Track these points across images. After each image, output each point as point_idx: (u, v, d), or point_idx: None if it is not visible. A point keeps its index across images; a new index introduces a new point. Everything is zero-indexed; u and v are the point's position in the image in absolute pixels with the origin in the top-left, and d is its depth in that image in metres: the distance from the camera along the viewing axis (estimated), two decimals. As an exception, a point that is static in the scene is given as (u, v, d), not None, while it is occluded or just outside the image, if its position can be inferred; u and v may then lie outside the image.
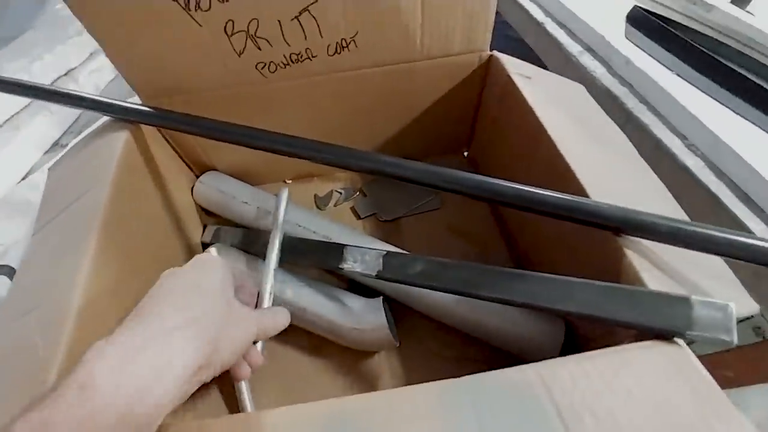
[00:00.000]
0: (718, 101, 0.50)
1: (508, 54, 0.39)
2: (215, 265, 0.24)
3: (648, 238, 0.24)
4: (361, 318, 0.33)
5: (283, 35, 0.33)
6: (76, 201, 0.32)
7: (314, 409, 0.19)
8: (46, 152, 0.64)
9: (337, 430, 0.18)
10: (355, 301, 0.35)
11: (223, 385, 0.35)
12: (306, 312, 0.35)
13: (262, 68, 0.35)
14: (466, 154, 0.52)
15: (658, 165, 0.48)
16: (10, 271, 0.41)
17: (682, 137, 0.50)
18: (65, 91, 0.36)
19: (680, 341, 0.21)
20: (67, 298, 0.25)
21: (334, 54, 0.35)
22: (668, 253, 0.24)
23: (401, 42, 0.35)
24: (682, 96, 0.51)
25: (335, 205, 0.48)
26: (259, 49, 0.34)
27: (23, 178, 0.59)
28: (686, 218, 0.26)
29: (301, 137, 0.32)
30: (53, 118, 0.65)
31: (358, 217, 0.46)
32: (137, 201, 0.35)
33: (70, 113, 0.67)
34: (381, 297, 0.34)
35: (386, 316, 0.33)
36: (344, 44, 0.34)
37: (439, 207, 0.46)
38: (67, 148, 0.63)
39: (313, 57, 0.35)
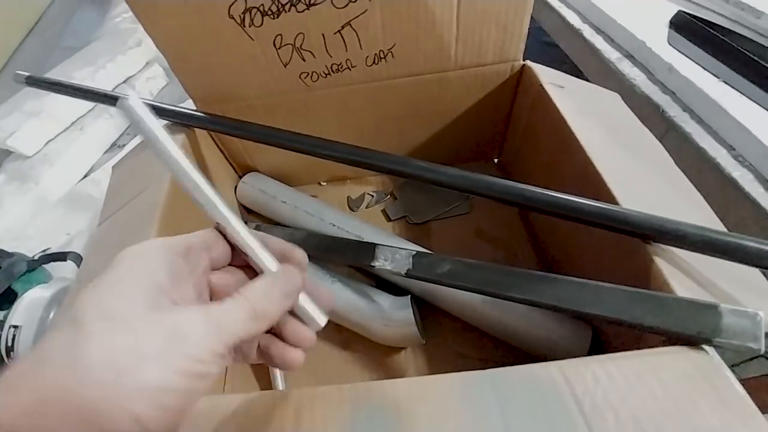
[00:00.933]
0: (767, 110, 0.48)
1: (542, 61, 0.39)
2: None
3: (679, 247, 0.24)
4: (390, 314, 0.35)
5: (326, 47, 0.35)
6: (138, 195, 0.35)
7: (341, 390, 0.21)
8: (106, 152, 0.70)
9: (363, 409, 0.20)
10: (384, 299, 0.36)
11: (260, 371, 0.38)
12: (337, 307, 0.37)
13: (305, 78, 0.38)
14: (496, 161, 0.53)
15: (702, 176, 0.47)
16: (76, 257, 0.45)
17: (729, 147, 0.48)
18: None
19: (708, 348, 0.21)
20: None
21: (372, 64, 0.37)
22: (700, 262, 0.24)
23: (436, 53, 0.37)
24: (729, 104, 0.48)
25: (367, 207, 0.50)
26: (304, 60, 0.36)
27: (86, 176, 0.66)
28: (722, 228, 0.26)
29: (338, 141, 0.34)
30: (112, 122, 0.71)
31: (389, 220, 0.48)
32: (190, 198, 0.38)
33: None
34: (409, 295, 0.36)
35: (414, 313, 0.34)
36: (382, 55, 0.37)
37: (468, 212, 0.47)
38: (125, 148, 0.69)
39: (352, 67, 0.37)
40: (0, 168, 0.64)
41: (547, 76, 0.37)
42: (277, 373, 0.35)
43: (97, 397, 0.13)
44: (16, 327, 0.34)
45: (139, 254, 0.16)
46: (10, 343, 0.34)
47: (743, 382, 0.20)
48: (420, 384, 0.21)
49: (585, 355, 0.31)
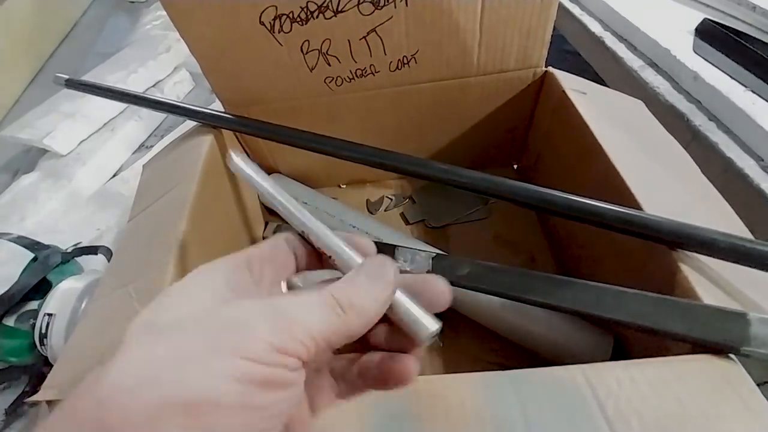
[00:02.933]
0: (796, 119, 0.46)
1: (563, 69, 0.40)
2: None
3: (705, 254, 0.24)
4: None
5: (351, 53, 0.36)
6: (167, 193, 0.37)
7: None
8: (134, 152, 0.73)
9: (384, 411, 0.20)
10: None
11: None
12: None
13: (330, 82, 0.39)
14: (515, 166, 0.53)
15: (729, 187, 0.46)
16: (107, 251, 0.47)
17: (758, 158, 0.47)
18: (166, 101, 0.42)
19: (734, 357, 0.20)
20: (161, 273, 0.29)
21: (395, 70, 0.38)
22: (727, 270, 0.24)
23: (459, 59, 0.38)
24: (757, 113, 0.47)
25: (386, 210, 0.51)
26: (329, 65, 0.37)
27: (115, 175, 0.68)
28: (750, 236, 0.26)
29: (360, 143, 0.35)
30: (141, 123, 0.74)
31: (407, 223, 0.49)
32: (216, 196, 0.39)
33: (155, 119, 0.76)
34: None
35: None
36: (405, 61, 0.37)
37: (486, 216, 0.48)
38: (153, 149, 0.72)
39: (376, 72, 0.38)
40: (36, 166, 0.67)
41: (570, 83, 0.37)
42: None
43: (115, 422, 0.10)
44: (50, 315, 0.36)
45: (198, 270, 0.15)
46: (44, 331, 0.36)
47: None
48: (441, 381, 0.21)
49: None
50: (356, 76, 0.38)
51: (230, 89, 0.40)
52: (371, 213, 0.51)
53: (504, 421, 0.19)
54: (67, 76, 0.48)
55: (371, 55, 0.37)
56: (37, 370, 0.40)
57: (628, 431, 0.18)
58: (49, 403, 0.24)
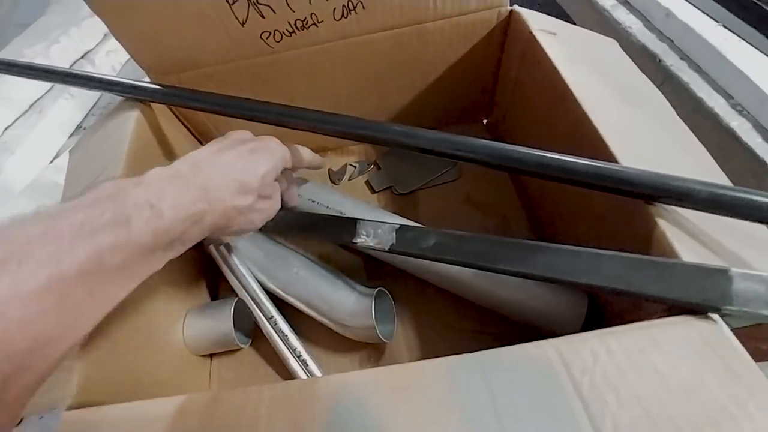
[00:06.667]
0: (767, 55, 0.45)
1: (530, 9, 0.35)
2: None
3: (684, 206, 0.22)
4: (352, 316, 0.32)
5: (286, 0, 0.31)
6: (94, 180, 0.32)
7: (316, 385, 0.19)
8: (71, 135, 0.65)
9: (339, 408, 0.18)
10: (347, 296, 0.33)
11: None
12: (296, 303, 0.35)
13: (267, 38, 0.34)
14: (485, 122, 0.50)
15: (699, 127, 0.45)
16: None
17: (727, 96, 0.46)
18: (77, 72, 0.36)
19: (715, 317, 0.19)
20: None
21: (340, 18, 0.33)
22: (707, 222, 0.22)
23: (413, 1, 0.33)
24: (729, 50, 0.46)
25: (350, 180, 0.47)
26: (263, 17, 0.32)
27: (51, 162, 0.62)
28: (729, 184, 0.24)
29: (310, 109, 0.31)
30: (74, 101, 0.66)
31: (373, 191, 0.45)
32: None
33: (90, 97, 0.68)
34: (375, 291, 0.33)
35: (378, 311, 0.32)
36: (351, 6, 0.32)
37: (457, 178, 0.45)
38: (84, 132, 0.65)
39: (319, 23, 0.33)
40: (-42, 159, 0.60)
41: (538, 23, 0.33)
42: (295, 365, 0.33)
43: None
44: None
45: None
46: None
47: (735, 331, 0.18)
48: (402, 372, 0.19)
49: (581, 324, 0.30)
50: (297, 28, 0.33)
51: (151, 54, 0.34)
52: (334, 183, 0.47)
53: (471, 410, 0.17)
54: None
55: (310, 2, 0.32)
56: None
57: (605, 410, 0.17)
58: None
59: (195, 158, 0.23)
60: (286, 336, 0.33)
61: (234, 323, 0.33)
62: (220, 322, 0.33)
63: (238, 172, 0.23)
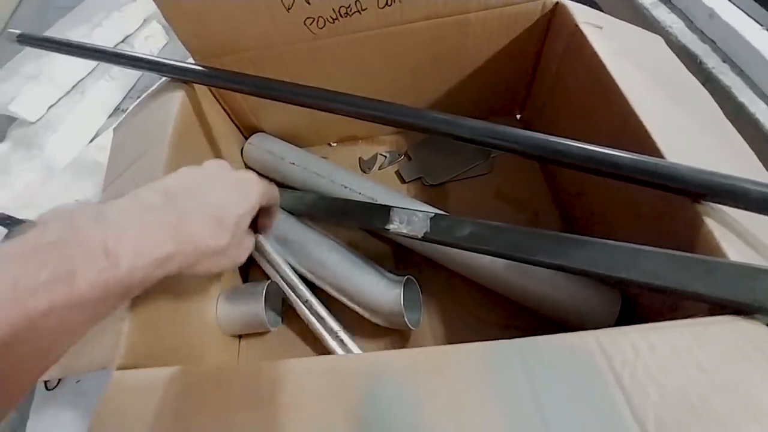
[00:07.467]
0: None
1: (573, 3, 0.35)
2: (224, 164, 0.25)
3: (734, 206, 0.22)
4: (381, 302, 0.33)
5: (333, -14, 0.32)
6: (138, 159, 0.33)
7: (354, 362, 0.20)
8: (110, 116, 0.68)
9: (375, 386, 0.18)
10: (377, 282, 0.34)
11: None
12: (325, 286, 0.36)
13: (311, 24, 0.34)
14: (518, 116, 0.49)
15: (739, 132, 0.44)
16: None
17: None
18: (125, 52, 0.38)
19: (761, 319, 0.19)
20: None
21: (384, 6, 0.33)
22: (756, 223, 0.22)
23: (456, -10, 0.33)
24: None
25: (380, 169, 0.47)
26: (308, 3, 0.33)
27: (91, 141, 0.64)
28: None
29: (348, 93, 0.31)
30: (114, 84, 0.68)
31: (403, 181, 0.46)
32: (193, 159, 0.36)
33: (129, 79, 0.70)
34: (405, 278, 0.33)
35: (406, 298, 0.32)
36: (395, -5, 0.33)
37: (488, 172, 0.45)
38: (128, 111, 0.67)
39: (362, 11, 0.33)
40: (5, 135, 0.63)
41: (584, 15, 0.32)
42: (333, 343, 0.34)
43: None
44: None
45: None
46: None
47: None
48: (439, 354, 0.19)
49: (614, 322, 0.30)
50: (340, 15, 0.34)
51: (197, 36, 0.35)
52: (364, 172, 0.47)
53: (510, 395, 0.17)
54: (18, 32, 0.43)
55: (356, -11, 0.32)
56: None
57: (647, 402, 0.16)
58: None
59: (169, 187, 0.20)
60: (323, 318, 0.34)
61: (264, 307, 0.34)
62: (251, 305, 0.34)
63: (215, 207, 0.21)
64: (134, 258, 0.17)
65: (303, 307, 0.34)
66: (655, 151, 0.24)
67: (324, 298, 0.35)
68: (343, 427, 0.17)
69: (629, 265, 0.22)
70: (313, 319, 0.34)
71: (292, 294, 0.35)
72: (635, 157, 0.23)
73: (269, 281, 0.36)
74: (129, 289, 0.17)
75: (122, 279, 0.16)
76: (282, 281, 0.35)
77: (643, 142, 0.25)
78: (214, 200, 0.21)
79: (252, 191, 0.24)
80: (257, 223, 0.28)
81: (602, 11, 0.35)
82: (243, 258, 0.25)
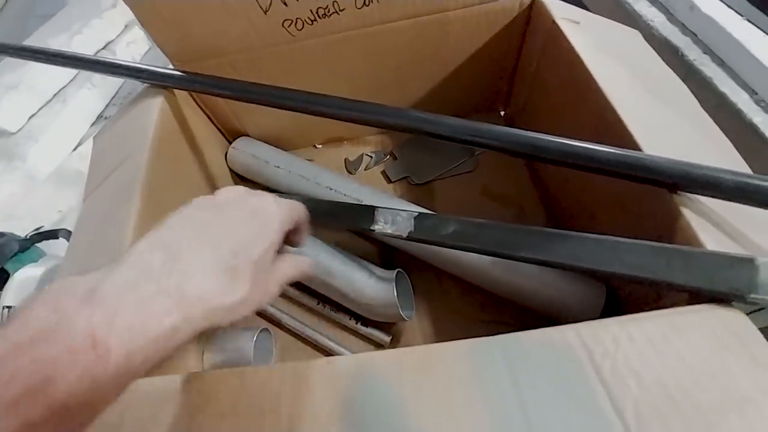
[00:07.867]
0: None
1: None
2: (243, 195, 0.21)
3: (710, 195, 0.22)
4: (374, 294, 0.33)
5: (309, -12, 0.31)
6: (119, 167, 0.33)
7: (342, 363, 0.19)
8: (92, 125, 0.67)
9: (363, 385, 0.18)
10: (368, 277, 0.34)
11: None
12: (319, 280, 0.35)
13: (289, 26, 0.34)
14: (503, 113, 0.49)
15: (721, 123, 0.45)
16: (67, 234, 0.44)
17: (751, 92, 0.46)
18: (103, 59, 0.37)
19: (739, 306, 0.19)
20: (119, 254, 0.26)
21: (362, 6, 0.33)
22: (732, 212, 0.22)
23: (434, -11, 0.33)
24: (753, 45, 0.45)
25: (366, 169, 0.47)
26: (285, 4, 0.32)
27: (73, 150, 0.63)
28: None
29: (331, 95, 0.31)
30: (96, 91, 0.67)
31: (389, 181, 0.46)
32: (174, 165, 0.36)
33: (111, 86, 0.70)
34: (396, 271, 0.33)
35: (397, 291, 0.32)
36: (373, -6, 0.32)
37: (473, 169, 0.45)
38: (109, 119, 0.66)
39: (340, 11, 0.33)
40: (-16, 146, 0.62)
41: (561, 11, 0.32)
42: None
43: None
44: (9, 308, 0.34)
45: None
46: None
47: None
48: (424, 353, 0.19)
49: (599, 314, 0.30)
50: (318, 16, 0.34)
51: (175, 41, 0.35)
52: (350, 173, 0.47)
53: (493, 392, 0.18)
54: (-9, 40, 0.42)
55: (333, -10, 0.32)
56: None
57: (626, 394, 0.17)
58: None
59: (172, 241, 0.17)
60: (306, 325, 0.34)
61: (254, 354, 0.33)
62: (241, 356, 0.33)
63: (228, 253, 0.18)
64: (129, 341, 0.14)
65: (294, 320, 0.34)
66: (634, 145, 0.24)
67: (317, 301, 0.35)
68: (331, 426, 0.17)
69: (610, 258, 0.22)
70: (302, 327, 0.34)
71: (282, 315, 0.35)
72: (613, 151, 0.23)
73: (257, 332, 0.34)
74: (129, 375, 0.14)
75: (116, 369, 0.14)
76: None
77: (622, 136, 0.25)
78: (226, 243, 0.18)
79: (272, 221, 0.20)
80: (287, 241, 0.24)
81: (585, 6, 0.35)
82: (266, 302, 0.21)
